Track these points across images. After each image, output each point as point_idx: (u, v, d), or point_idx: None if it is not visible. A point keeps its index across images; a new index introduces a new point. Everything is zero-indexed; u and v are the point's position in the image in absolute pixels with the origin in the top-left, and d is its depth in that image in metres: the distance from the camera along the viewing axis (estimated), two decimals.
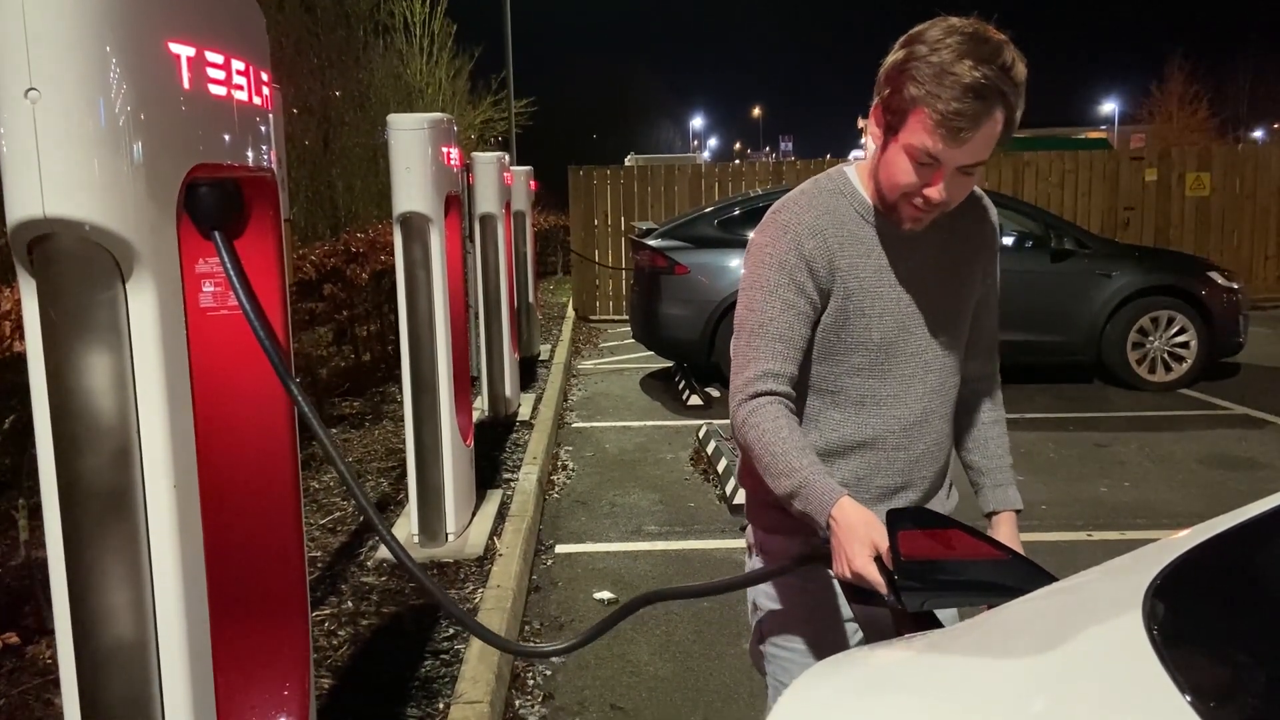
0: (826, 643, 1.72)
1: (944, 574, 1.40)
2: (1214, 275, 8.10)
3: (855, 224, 1.64)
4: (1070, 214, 12.65)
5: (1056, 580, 1.38)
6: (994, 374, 1.86)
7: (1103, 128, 54.01)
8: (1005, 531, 1.78)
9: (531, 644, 3.36)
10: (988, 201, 1.79)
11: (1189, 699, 0.96)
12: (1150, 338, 7.93)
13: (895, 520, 1.39)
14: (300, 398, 1.67)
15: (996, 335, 1.84)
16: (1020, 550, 1.55)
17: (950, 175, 1.50)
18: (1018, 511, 1.82)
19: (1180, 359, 7.94)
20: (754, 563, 1.86)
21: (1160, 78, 46.60)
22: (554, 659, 3.52)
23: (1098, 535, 4.75)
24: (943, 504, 1.78)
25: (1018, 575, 1.37)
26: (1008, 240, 8.44)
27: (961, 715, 1.08)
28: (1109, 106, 58.60)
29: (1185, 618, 1.16)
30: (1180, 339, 7.92)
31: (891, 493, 1.69)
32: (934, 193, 1.51)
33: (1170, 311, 7.89)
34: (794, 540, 1.69)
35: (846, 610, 1.72)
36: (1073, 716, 1.01)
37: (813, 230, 1.62)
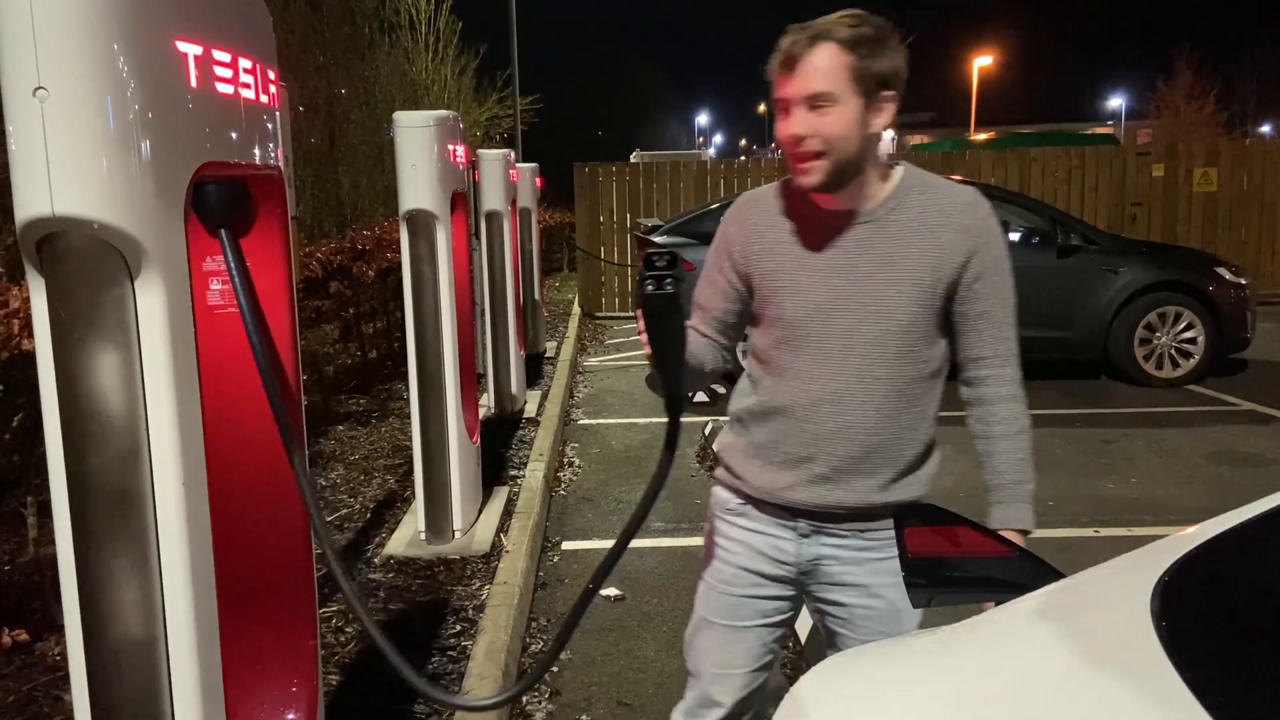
0: (719, 586, 1.95)
1: (950, 570, 1.40)
2: (1221, 271, 8.07)
3: (794, 215, 1.80)
4: (1077, 210, 12.62)
5: (1063, 576, 1.38)
6: (1000, 384, 1.81)
7: (1109, 123, 53.85)
8: None
9: (469, 696, 3.11)
10: (970, 210, 1.76)
11: (1197, 695, 0.96)
12: (1157, 333, 7.90)
13: (902, 518, 1.40)
14: (282, 410, 1.69)
15: (1004, 344, 1.80)
16: None
17: (797, 111, 1.66)
18: (1025, 532, 1.79)
19: (1187, 355, 7.91)
20: None
21: (1167, 73, 46.44)
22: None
23: (1104, 532, 4.74)
24: (871, 491, 1.78)
25: (1024, 572, 1.37)
26: (1014, 236, 8.42)
27: (968, 712, 1.08)
28: (1115, 102, 58.40)
29: (1193, 614, 1.16)
30: (1187, 335, 7.89)
31: (798, 461, 1.80)
32: (784, 127, 1.68)
33: (1177, 307, 7.87)
34: (725, 491, 1.95)
35: (745, 563, 1.91)
36: (1081, 713, 1.01)
37: (738, 219, 1.87)
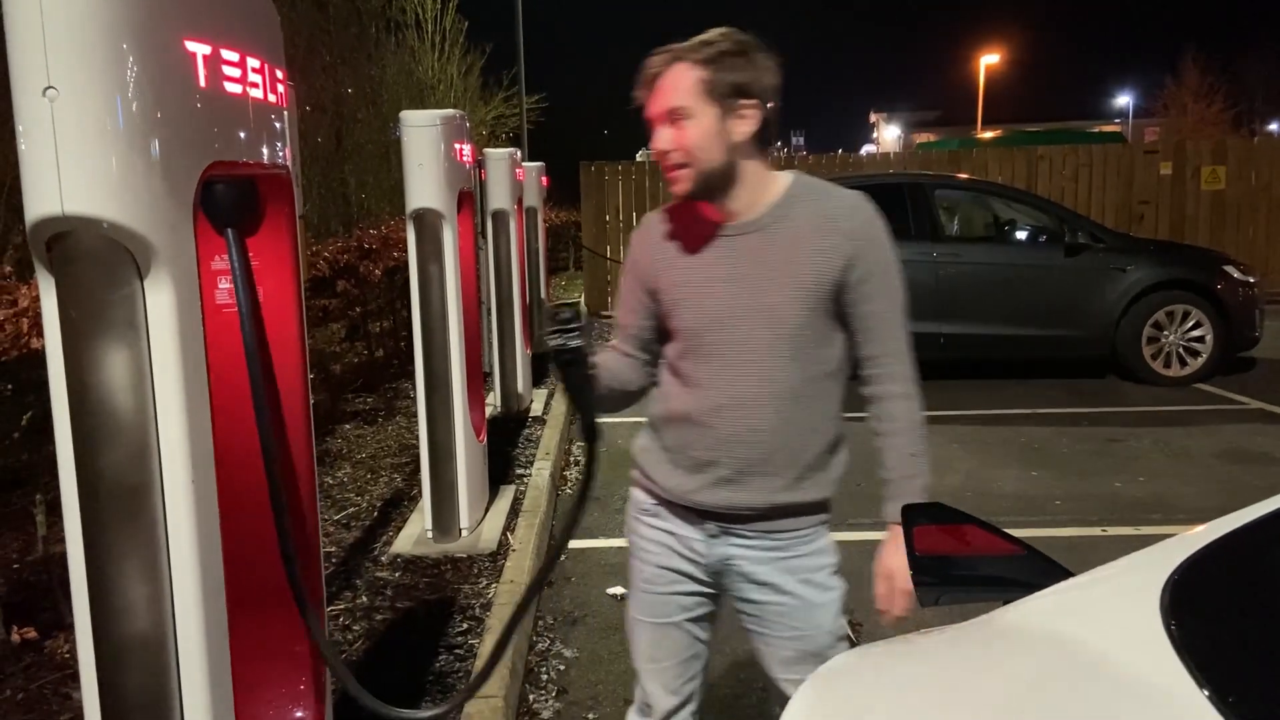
0: (641, 585, 2.02)
1: (959, 569, 1.40)
2: (1230, 269, 8.05)
3: (696, 229, 1.86)
4: (1084, 208, 12.58)
5: (1072, 575, 1.38)
6: (890, 381, 1.85)
7: (1116, 121, 53.71)
8: (886, 542, 1.83)
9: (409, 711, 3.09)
10: (852, 214, 1.81)
11: (1207, 693, 0.96)
12: (1165, 332, 7.88)
13: (911, 516, 1.39)
14: (268, 425, 1.73)
15: (894, 343, 1.83)
16: (891, 565, 1.76)
17: (660, 127, 1.78)
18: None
19: (1195, 353, 7.89)
20: None
21: (1175, 70, 46.28)
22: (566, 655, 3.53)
23: (1112, 530, 4.73)
24: (775, 491, 1.83)
25: (1033, 570, 1.37)
26: (1021, 235, 8.41)
27: (978, 711, 1.08)
28: (1123, 99, 58.20)
29: (1203, 612, 1.15)
30: (1195, 333, 7.87)
31: (703, 465, 1.86)
32: (654, 143, 1.80)
33: (1185, 306, 7.84)
34: (641, 492, 2.01)
35: (662, 561, 1.97)
36: (1091, 711, 1.01)
37: (640, 238, 1.96)
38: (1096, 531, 4.73)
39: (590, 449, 1.76)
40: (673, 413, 1.91)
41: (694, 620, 2.00)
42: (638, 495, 2.03)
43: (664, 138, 1.77)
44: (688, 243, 1.87)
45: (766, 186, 1.82)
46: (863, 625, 3.67)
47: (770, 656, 1.95)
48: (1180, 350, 7.91)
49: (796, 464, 1.83)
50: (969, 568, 1.42)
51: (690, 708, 2.07)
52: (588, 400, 1.75)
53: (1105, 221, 11.57)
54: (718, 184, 1.79)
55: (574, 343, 1.67)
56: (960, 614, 1.50)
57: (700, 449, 1.86)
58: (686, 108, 1.74)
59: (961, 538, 1.42)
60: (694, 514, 1.91)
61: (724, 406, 1.82)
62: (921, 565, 1.37)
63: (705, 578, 1.96)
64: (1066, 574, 1.38)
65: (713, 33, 1.78)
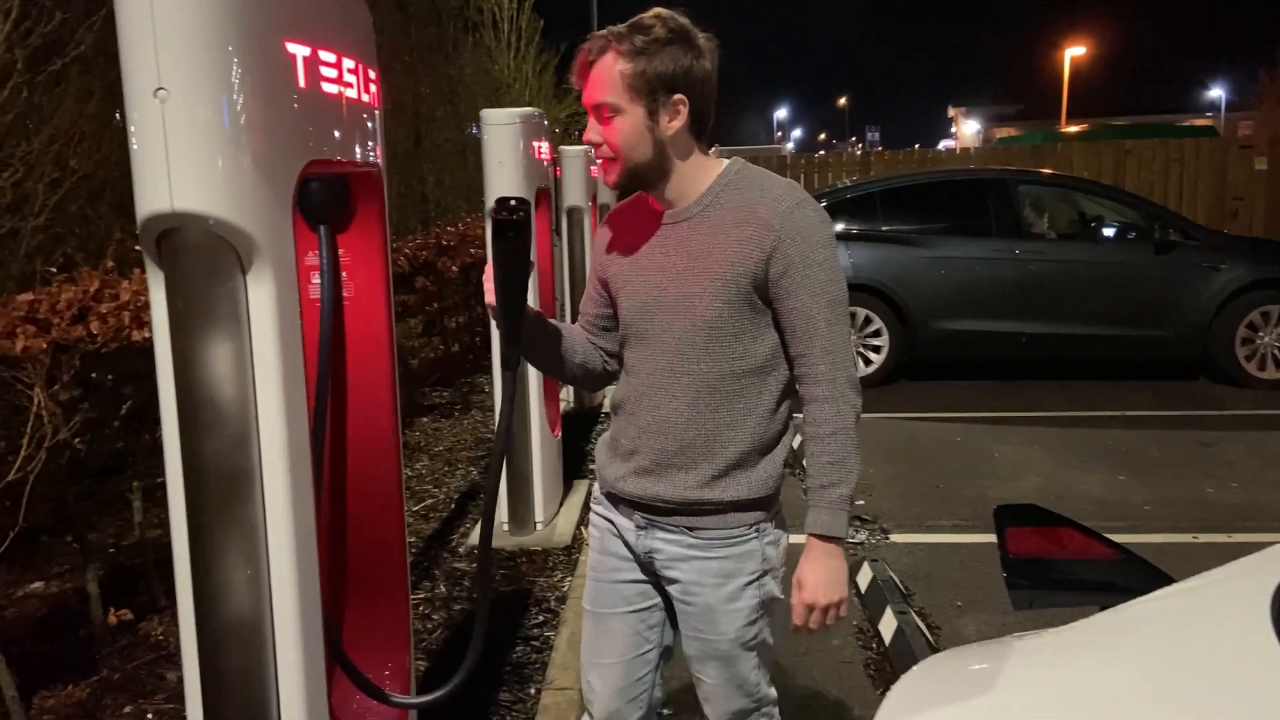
0: (590, 573, 2.02)
1: (1054, 572, 1.37)
2: None
3: (641, 220, 1.87)
4: (1175, 204, 12.18)
5: (1173, 581, 1.34)
6: (812, 383, 1.77)
7: (1208, 114, 51.79)
8: (806, 556, 1.76)
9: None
10: (775, 204, 1.75)
11: None
12: (1260, 333, 7.58)
13: (1004, 517, 1.37)
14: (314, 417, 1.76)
15: (818, 341, 1.75)
16: (801, 575, 1.73)
17: (591, 118, 1.76)
18: (826, 539, 1.74)
19: None
20: None
21: (1270, 62, 44.36)
22: None
23: (1204, 538, 4.57)
24: (690, 486, 1.79)
25: (1131, 575, 1.33)
26: (1109, 231, 8.17)
27: (1082, 716, 1.06)
28: (1215, 92, 56.02)
29: None
30: None
31: (628, 453, 1.88)
32: (586, 134, 1.79)
33: None
34: (597, 481, 2.01)
35: (603, 546, 1.98)
36: (1200, 717, 0.98)
37: (600, 228, 1.98)
38: (1187, 538, 4.57)
39: (507, 324, 1.74)
40: (614, 401, 1.94)
41: (637, 614, 1.95)
42: (595, 485, 2.05)
43: (593, 130, 1.77)
44: (633, 234, 1.88)
45: (702, 175, 1.80)
46: (942, 629, 3.61)
47: (685, 648, 1.93)
48: (1276, 352, 7.60)
49: (713, 461, 1.79)
50: (1063, 571, 1.39)
51: (639, 715, 1.98)
52: (516, 288, 1.71)
53: (1197, 218, 11.16)
54: (649, 176, 1.79)
55: (519, 215, 1.64)
56: (1049, 619, 1.47)
57: (626, 437, 1.88)
58: (614, 104, 1.71)
59: (1056, 540, 1.39)
60: (625, 504, 1.92)
61: (644, 395, 1.84)
62: (1014, 568, 1.34)
63: (641, 570, 1.94)
64: (1167, 580, 1.34)
65: (648, 15, 1.72)
